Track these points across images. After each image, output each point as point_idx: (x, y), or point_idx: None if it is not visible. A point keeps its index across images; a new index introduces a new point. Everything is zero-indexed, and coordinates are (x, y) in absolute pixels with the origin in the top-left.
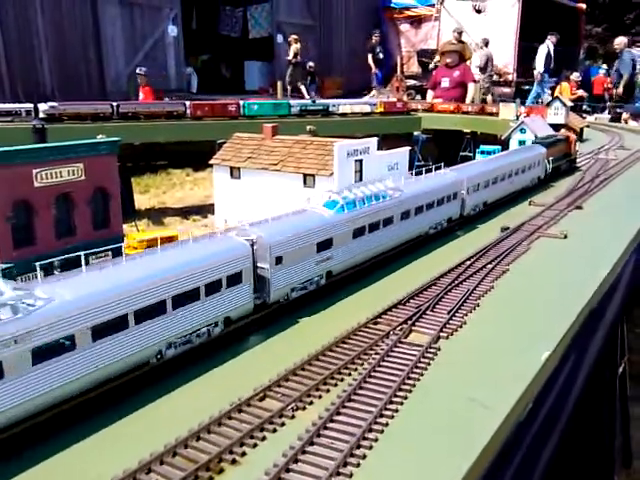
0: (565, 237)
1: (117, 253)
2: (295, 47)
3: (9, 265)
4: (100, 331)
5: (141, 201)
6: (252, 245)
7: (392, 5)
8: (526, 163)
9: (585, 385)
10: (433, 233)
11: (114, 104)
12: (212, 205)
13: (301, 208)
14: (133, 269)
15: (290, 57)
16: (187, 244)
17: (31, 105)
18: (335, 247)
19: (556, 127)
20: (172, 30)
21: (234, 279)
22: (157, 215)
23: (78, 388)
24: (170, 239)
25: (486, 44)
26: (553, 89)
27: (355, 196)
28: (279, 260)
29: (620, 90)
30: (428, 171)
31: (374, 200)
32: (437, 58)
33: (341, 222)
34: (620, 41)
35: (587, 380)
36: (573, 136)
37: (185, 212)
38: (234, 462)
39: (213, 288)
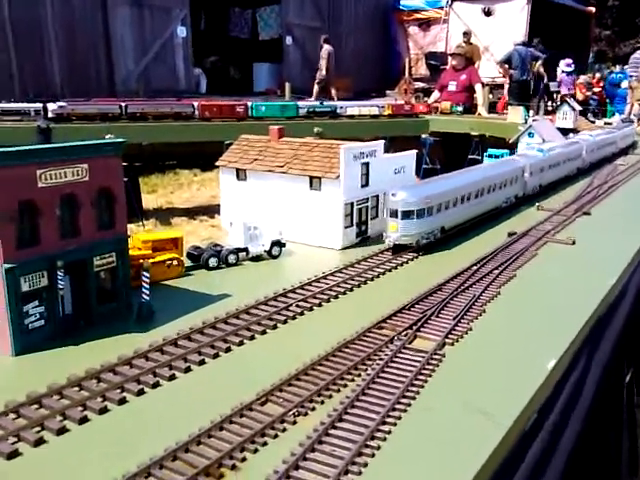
0: (573, 243)
1: (122, 254)
2: None
3: (12, 265)
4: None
5: (149, 201)
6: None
7: (401, 7)
8: (624, 135)
9: (592, 394)
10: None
11: (122, 104)
12: (218, 206)
13: (521, 153)
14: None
15: None
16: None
17: (40, 105)
18: (545, 171)
19: (564, 131)
20: (181, 31)
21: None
22: (164, 215)
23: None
24: (175, 241)
25: (326, 40)
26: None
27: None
28: (531, 174)
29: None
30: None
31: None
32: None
33: (545, 159)
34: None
35: (594, 389)
36: None
37: (192, 212)
38: (234, 467)
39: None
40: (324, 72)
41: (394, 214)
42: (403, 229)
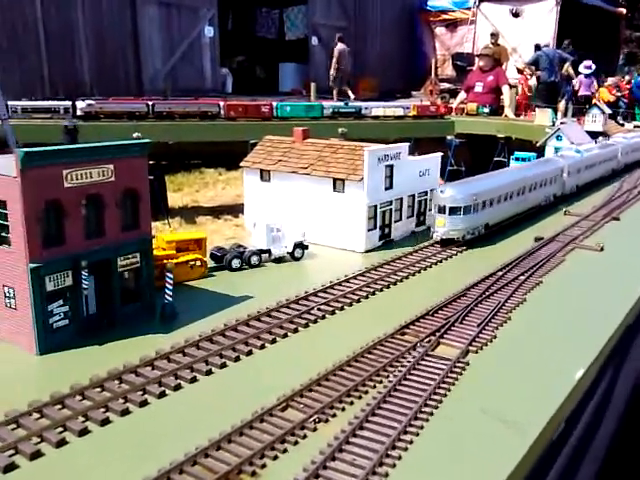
0: (601, 249)
1: (146, 254)
2: None
3: (37, 265)
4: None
5: (174, 199)
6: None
7: (428, 8)
8: None
9: (622, 401)
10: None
11: (150, 103)
12: (243, 205)
13: (560, 154)
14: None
15: None
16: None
17: (69, 103)
18: (582, 171)
19: (594, 134)
20: (209, 31)
21: (555, 179)
22: (190, 214)
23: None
24: (198, 241)
25: (340, 39)
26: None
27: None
28: (569, 174)
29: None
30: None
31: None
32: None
33: (582, 160)
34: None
35: (624, 396)
36: None
37: (216, 211)
38: (254, 474)
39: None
40: (333, 71)
41: (442, 210)
42: (450, 224)
